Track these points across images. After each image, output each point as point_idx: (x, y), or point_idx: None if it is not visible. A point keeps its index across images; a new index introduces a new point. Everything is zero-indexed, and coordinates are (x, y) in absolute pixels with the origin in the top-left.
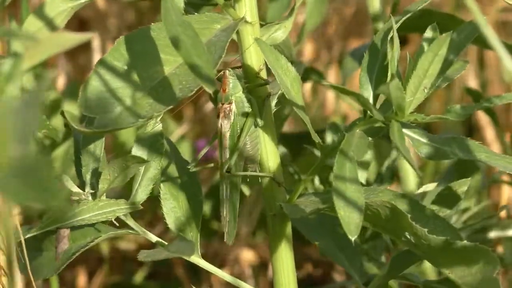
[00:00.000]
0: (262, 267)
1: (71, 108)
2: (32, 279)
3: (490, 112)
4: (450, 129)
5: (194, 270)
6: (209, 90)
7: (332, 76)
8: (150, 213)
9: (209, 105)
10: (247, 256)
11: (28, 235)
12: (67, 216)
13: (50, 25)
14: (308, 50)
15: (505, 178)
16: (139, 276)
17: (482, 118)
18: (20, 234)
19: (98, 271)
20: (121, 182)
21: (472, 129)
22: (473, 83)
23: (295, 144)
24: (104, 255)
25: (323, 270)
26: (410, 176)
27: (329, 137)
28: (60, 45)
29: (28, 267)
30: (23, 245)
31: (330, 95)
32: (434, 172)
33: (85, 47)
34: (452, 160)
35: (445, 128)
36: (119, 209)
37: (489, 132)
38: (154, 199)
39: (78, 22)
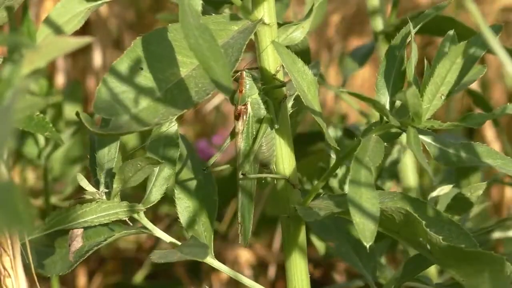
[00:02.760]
0: (261, 267)
1: (71, 108)
2: (36, 280)
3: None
4: (451, 129)
5: (194, 270)
6: (225, 95)
7: (332, 76)
8: (151, 212)
9: (209, 105)
10: (247, 256)
11: (31, 237)
12: (69, 218)
13: (66, 26)
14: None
15: (507, 178)
16: (139, 276)
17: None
18: (25, 235)
19: (98, 271)
20: (135, 182)
21: (472, 129)
22: (473, 83)
23: (299, 145)
24: (104, 255)
25: (323, 271)
26: (410, 176)
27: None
28: (60, 49)
29: (33, 268)
30: (27, 246)
31: (330, 95)
32: (434, 172)
33: (86, 47)
34: None
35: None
36: (122, 211)
37: (489, 132)
38: None
39: None
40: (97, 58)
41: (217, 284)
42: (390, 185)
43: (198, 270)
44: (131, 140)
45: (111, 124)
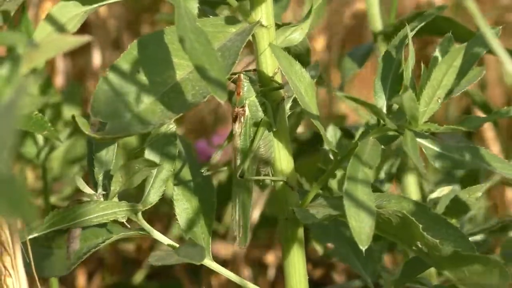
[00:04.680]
0: (261, 267)
1: (70, 109)
2: (36, 279)
3: (495, 123)
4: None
5: (194, 270)
6: (221, 100)
7: (331, 78)
8: (150, 212)
9: (209, 105)
10: (247, 256)
11: (31, 236)
12: (68, 218)
13: (62, 30)
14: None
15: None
16: (138, 277)
17: (486, 125)
18: (25, 234)
19: (98, 272)
20: (133, 184)
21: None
22: (472, 83)
23: (298, 146)
24: (104, 256)
25: (323, 271)
26: (410, 178)
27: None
28: (59, 47)
29: (33, 267)
30: (28, 245)
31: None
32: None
33: (85, 47)
34: None
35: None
36: (120, 211)
37: (489, 132)
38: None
39: None
40: (96, 58)
41: (217, 284)
42: (388, 187)
43: (198, 271)
44: (133, 141)
45: (108, 128)
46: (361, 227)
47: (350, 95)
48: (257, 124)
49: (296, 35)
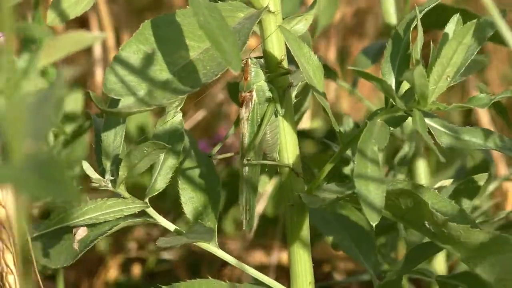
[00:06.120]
0: (263, 267)
1: (71, 108)
2: (38, 277)
3: (501, 110)
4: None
5: (195, 270)
6: (235, 72)
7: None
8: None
9: (210, 105)
10: (249, 255)
11: (36, 234)
12: (75, 214)
13: (76, 7)
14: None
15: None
16: (140, 276)
17: (483, 117)
18: (27, 233)
19: (100, 271)
20: (141, 169)
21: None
22: (473, 83)
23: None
24: (105, 255)
25: (323, 270)
26: (421, 172)
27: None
28: (76, 43)
29: (35, 266)
30: (29, 243)
31: (332, 94)
32: (435, 171)
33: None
34: (461, 160)
35: None
36: (127, 208)
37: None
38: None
39: (78, 22)
40: (98, 58)
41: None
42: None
43: (199, 270)
44: (134, 136)
45: (120, 104)
46: (372, 204)
47: (360, 69)
48: (264, 109)
49: (300, 26)
